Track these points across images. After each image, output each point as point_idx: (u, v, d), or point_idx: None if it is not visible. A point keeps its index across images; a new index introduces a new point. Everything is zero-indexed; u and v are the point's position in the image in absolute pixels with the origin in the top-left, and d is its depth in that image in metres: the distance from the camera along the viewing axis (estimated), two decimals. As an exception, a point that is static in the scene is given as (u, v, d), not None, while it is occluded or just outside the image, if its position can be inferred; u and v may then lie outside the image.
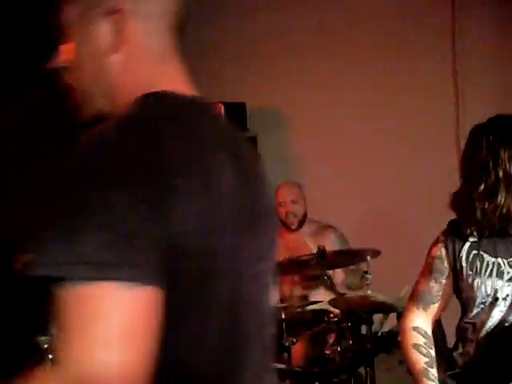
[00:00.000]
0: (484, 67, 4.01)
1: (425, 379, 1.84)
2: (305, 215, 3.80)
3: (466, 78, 4.05)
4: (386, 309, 2.95)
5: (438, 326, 2.01)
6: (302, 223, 3.78)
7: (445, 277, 1.93)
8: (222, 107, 4.61)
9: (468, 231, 1.85)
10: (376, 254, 3.09)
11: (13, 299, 3.83)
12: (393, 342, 2.89)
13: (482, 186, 1.79)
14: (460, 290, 1.90)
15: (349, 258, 3.33)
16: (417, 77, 4.24)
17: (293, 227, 3.76)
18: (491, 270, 1.84)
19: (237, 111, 4.76)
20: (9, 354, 3.20)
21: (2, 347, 3.21)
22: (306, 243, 3.61)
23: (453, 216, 1.98)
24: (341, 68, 4.54)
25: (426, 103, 4.21)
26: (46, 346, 3.02)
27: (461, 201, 1.87)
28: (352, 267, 3.64)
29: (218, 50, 5.09)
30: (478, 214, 1.80)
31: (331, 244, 3.57)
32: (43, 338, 3.12)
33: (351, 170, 4.51)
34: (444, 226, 2.00)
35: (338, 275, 3.60)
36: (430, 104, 4.20)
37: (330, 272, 3.39)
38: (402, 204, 4.29)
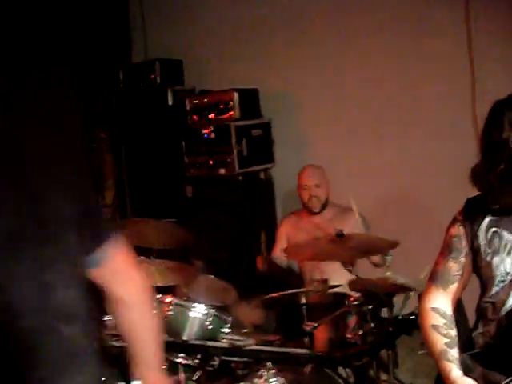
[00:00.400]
0: (500, 42, 3.94)
1: (444, 361, 1.82)
2: (327, 199, 3.80)
3: (481, 55, 3.98)
4: (406, 291, 2.93)
5: (458, 306, 1.98)
6: (324, 206, 3.79)
7: (463, 256, 1.90)
8: (236, 94, 4.61)
9: (493, 205, 1.80)
10: (394, 245, 3.05)
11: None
12: (414, 324, 2.87)
13: (502, 166, 1.75)
14: (479, 268, 1.87)
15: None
16: (431, 56, 4.17)
17: (315, 210, 3.78)
18: (510, 248, 1.80)
19: (250, 97, 4.76)
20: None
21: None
22: (328, 227, 3.59)
23: (472, 195, 1.95)
24: (353, 50, 4.49)
25: (442, 83, 4.14)
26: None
27: (480, 178, 1.84)
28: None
29: (229, 36, 5.07)
30: (497, 193, 1.77)
31: (352, 227, 3.55)
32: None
33: (367, 152, 4.47)
34: (462, 205, 1.97)
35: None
36: (446, 85, 4.12)
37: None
38: (420, 185, 4.25)
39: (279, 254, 3.90)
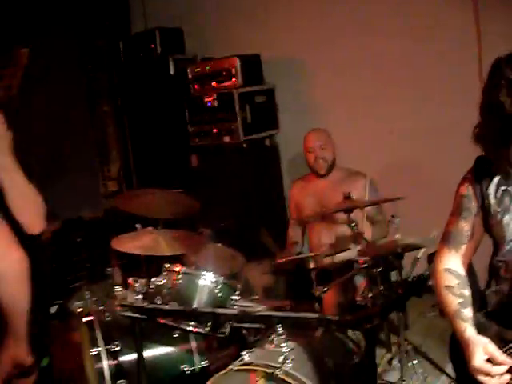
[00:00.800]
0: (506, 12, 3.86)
1: (458, 320, 1.81)
2: (333, 161, 3.78)
3: (488, 25, 3.89)
4: (416, 249, 2.92)
5: (469, 266, 1.97)
6: (331, 168, 3.77)
7: (474, 215, 1.88)
8: (238, 61, 4.55)
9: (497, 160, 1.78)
10: (400, 199, 3.05)
11: (45, 266, 3.90)
12: (424, 286, 2.86)
13: (496, 128, 1.72)
14: (490, 227, 1.85)
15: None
16: (438, 24, 4.09)
17: (322, 172, 3.76)
18: None
19: (252, 64, 4.70)
20: (44, 318, 3.28)
21: (38, 312, 3.28)
22: (335, 190, 3.58)
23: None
24: (358, 14, 4.41)
25: (448, 49, 4.07)
26: (79, 310, 3.08)
27: (479, 137, 1.80)
28: (377, 218, 3.62)
29: (229, 1, 4.99)
30: (493, 154, 1.74)
31: (361, 190, 3.55)
32: (77, 302, 3.18)
33: (373, 116, 4.43)
34: (470, 166, 1.94)
35: (366, 229, 3.57)
36: (452, 51, 4.05)
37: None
38: (427, 147, 4.22)
39: (295, 225, 3.92)
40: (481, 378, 1.69)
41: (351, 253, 3.13)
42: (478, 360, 1.70)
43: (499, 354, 1.70)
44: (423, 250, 2.90)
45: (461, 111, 3.86)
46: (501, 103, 1.68)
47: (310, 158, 3.79)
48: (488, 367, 1.69)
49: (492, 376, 1.68)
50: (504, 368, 1.68)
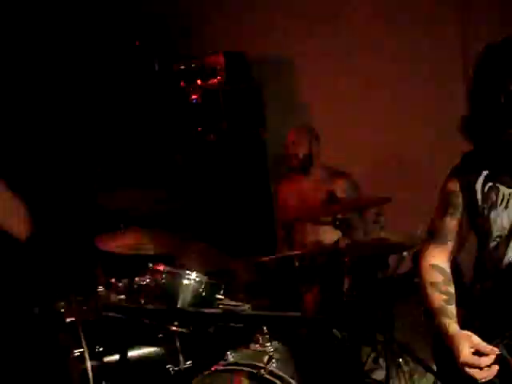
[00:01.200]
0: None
1: (442, 317, 1.80)
2: (309, 158, 3.72)
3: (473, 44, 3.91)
4: (401, 249, 2.91)
5: (454, 263, 1.96)
6: (305, 164, 3.71)
7: (460, 211, 1.88)
8: (223, 58, 4.53)
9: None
10: (386, 200, 3.03)
11: (32, 265, 3.86)
12: (409, 285, 2.86)
13: (498, 113, 1.70)
14: (476, 223, 1.85)
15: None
16: (422, 16, 4.11)
17: (297, 169, 3.72)
18: (507, 202, 1.77)
19: (238, 61, 4.68)
20: (28, 319, 3.24)
21: (23, 312, 3.24)
22: (318, 188, 3.57)
23: (457, 149, 1.91)
24: (343, 11, 4.41)
25: (430, 45, 4.10)
26: (62, 310, 3.04)
27: (471, 125, 1.79)
28: (356, 225, 3.59)
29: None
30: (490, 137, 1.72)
31: (342, 191, 3.53)
32: (61, 303, 3.15)
33: (360, 113, 4.43)
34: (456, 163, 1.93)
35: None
36: (435, 46, 4.08)
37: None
38: (412, 145, 4.22)
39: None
40: (470, 371, 1.69)
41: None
42: (466, 353, 1.69)
43: (485, 345, 1.69)
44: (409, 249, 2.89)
45: (449, 110, 3.90)
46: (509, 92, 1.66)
47: (286, 155, 3.78)
48: (476, 359, 1.68)
49: (481, 368, 1.68)
50: (492, 358, 1.68)
